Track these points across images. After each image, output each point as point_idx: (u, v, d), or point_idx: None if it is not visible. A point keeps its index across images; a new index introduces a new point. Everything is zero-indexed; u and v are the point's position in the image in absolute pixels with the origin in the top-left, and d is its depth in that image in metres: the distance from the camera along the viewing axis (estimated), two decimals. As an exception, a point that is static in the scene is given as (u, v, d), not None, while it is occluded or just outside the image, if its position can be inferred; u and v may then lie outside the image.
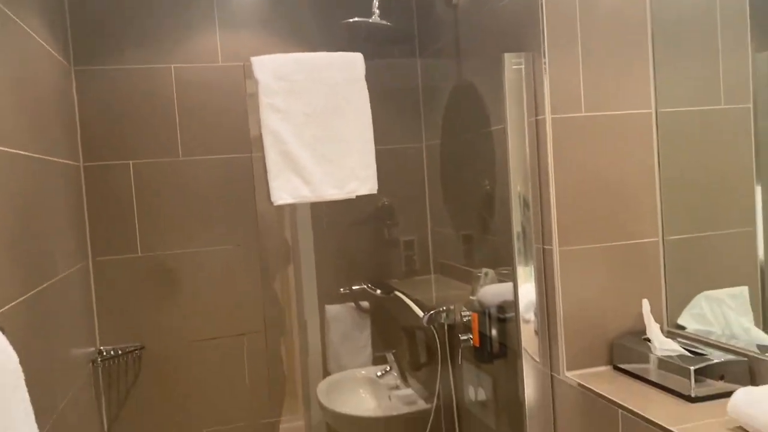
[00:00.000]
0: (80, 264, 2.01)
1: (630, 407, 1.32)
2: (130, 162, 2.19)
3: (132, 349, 2.17)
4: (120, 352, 2.15)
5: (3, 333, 0.95)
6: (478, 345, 1.89)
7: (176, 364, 2.24)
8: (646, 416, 1.26)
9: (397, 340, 2.62)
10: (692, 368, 1.32)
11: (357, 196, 1.90)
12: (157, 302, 2.22)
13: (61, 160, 1.86)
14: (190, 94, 2.23)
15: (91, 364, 2.06)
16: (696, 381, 1.33)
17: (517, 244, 1.65)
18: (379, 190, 2.16)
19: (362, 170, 1.64)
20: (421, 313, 2.25)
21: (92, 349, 2.11)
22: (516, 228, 1.64)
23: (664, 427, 1.21)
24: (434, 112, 2.37)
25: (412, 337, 2.57)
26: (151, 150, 2.20)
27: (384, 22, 1.90)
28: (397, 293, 2.40)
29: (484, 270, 2.08)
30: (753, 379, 1.34)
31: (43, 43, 1.77)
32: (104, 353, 2.13)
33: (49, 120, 1.76)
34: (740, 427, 1.17)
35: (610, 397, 1.38)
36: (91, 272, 2.15)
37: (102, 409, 2.17)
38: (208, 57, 2.25)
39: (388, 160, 2.39)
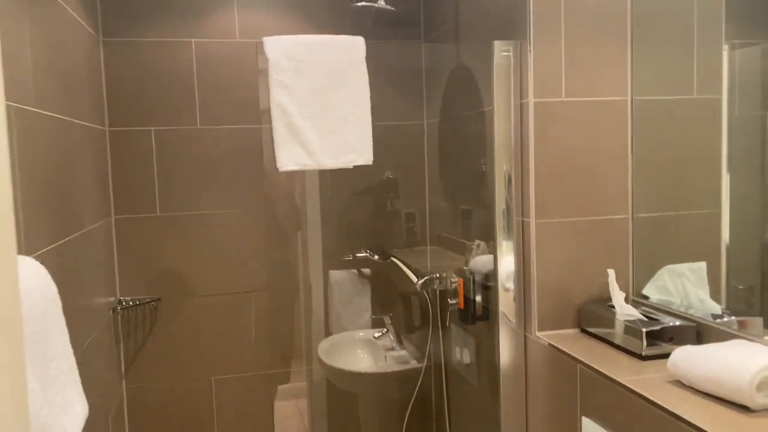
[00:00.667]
0: (103, 220, 2.20)
1: (586, 362, 1.49)
2: (152, 129, 2.36)
3: (149, 300, 2.37)
4: (138, 302, 2.35)
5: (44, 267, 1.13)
6: (462, 308, 2.06)
7: (189, 316, 2.44)
8: (599, 369, 1.43)
9: (394, 304, 2.81)
10: (644, 330, 1.49)
11: (365, 169, 2.06)
12: (174, 259, 2.41)
13: (89, 124, 2.04)
14: (209, 67, 2.40)
15: (111, 312, 2.26)
16: (648, 342, 1.49)
17: (500, 218, 1.81)
18: (382, 163, 2.32)
19: (359, 143, 1.81)
20: (415, 279, 2.42)
21: (113, 298, 2.31)
22: (499, 203, 1.80)
23: (612, 378, 1.38)
24: (435, 93, 2.51)
25: (407, 302, 2.75)
26: (171, 118, 2.38)
27: (389, 7, 2.04)
28: (394, 259, 2.57)
29: (477, 242, 2.24)
30: (700, 342, 1.50)
31: (75, 16, 1.94)
32: (123, 303, 2.34)
33: (79, 87, 1.94)
34: (678, 381, 1.33)
35: (571, 353, 1.55)
36: (113, 228, 2.35)
37: (120, 354, 2.38)
38: (226, 33, 2.41)
39: (392, 136, 2.55)
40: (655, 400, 1.25)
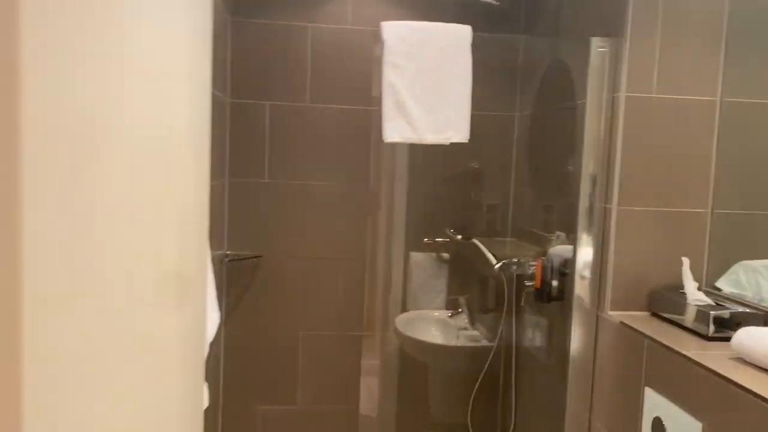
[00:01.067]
0: (219, 181, 2.48)
1: (653, 336, 1.60)
2: (267, 103, 2.63)
3: (252, 256, 2.63)
4: (242, 257, 2.62)
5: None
6: (538, 288, 2.19)
7: (285, 274, 2.69)
8: (663, 342, 1.55)
9: (469, 286, 2.95)
10: (712, 313, 1.59)
11: (453, 157, 2.20)
12: (276, 221, 2.67)
13: (216, 93, 2.31)
14: (322, 50, 2.64)
15: (220, 263, 2.54)
16: (715, 327, 1.59)
17: (583, 208, 1.94)
18: (470, 152, 2.47)
19: (458, 121, 1.99)
20: (494, 261, 2.57)
21: (221, 252, 2.58)
22: (584, 190, 1.93)
23: (677, 351, 1.50)
24: (529, 85, 2.65)
25: (483, 285, 2.90)
26: (284, 94, 2.63)
27: (493, 1, 2.20)
28: (475, 241, 2.72)
29: (557, 233, 2.37)
30: (766, 330, 1.58)
31: (215, -3, 2.21)
32: (230, 256, 2.61)
33: (212, 60, 2.21)
34: (740, 359, 1.43)
35: (637, 329, 1.67)
36: (226, 189, 2.62)
37: (223, 302, 2.66)
38: (339, 20, 2.64)
39: (483, 126, 2.68)
40: (717, 370, 1.36)
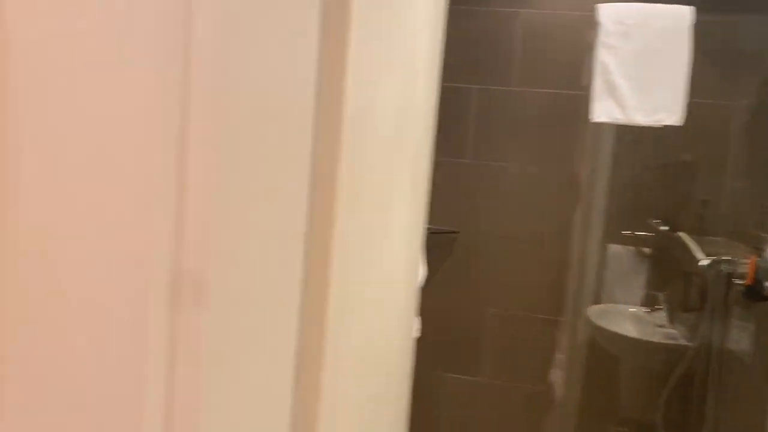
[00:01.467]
0: (426, 159, 2.66)
1: None
2: (475, 87, 2.75)
3: (449, 231, 2.79)
4: (441, 231, 2.79)
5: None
6: (750, 283, 2.06)
7: (479, 251, 2.82)
8: None
9: (671, 282, 2.82)
10: None
11: (663, 147, 2.10)
12: (475, 200, 2.80)
13: (430, 77, 2.49)
14: (531, 35, 2.69)
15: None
16: None
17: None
18: (679, 143, 2.35)
19: (671, 104, 1.94)
20: (702, 257, 2.44)
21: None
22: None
23: None
24: (752, 72, 2.44)
25: (687, 282, 2.75)
26: (492, 78, 2.74)
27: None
28: (681, 234, 2.60)
29: (777, 233, 2.19)
30: None
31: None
32: (430, 229, 2.79)
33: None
34: None
35: None
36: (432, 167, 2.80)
37: (420, 272, 2.86)
38: (550, 5, 2.67)
39: (695, 115, 2.54)
40: None
